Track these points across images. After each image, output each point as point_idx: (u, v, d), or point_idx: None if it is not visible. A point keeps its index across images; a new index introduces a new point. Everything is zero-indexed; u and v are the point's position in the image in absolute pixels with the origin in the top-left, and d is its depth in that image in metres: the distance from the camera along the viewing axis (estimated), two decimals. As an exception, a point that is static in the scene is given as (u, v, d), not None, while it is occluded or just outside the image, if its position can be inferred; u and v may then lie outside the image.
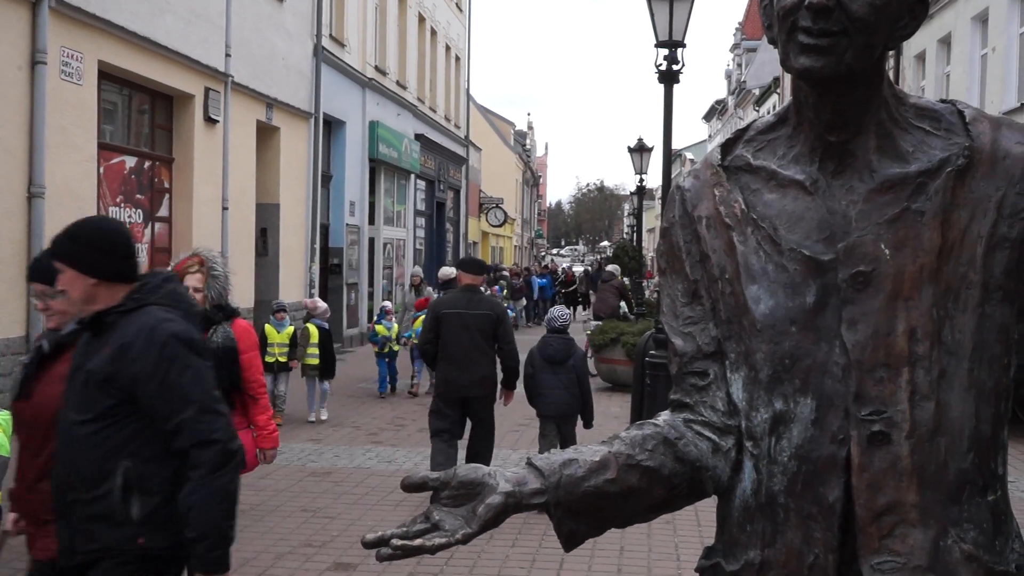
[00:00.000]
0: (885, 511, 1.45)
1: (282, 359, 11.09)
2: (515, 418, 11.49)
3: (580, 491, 1.51)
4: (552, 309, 8.53)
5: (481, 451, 7.55)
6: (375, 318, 14.23)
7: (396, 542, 1.42)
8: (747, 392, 1.57)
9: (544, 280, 29.66)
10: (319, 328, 11.40)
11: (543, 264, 43.59)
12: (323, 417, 11.28)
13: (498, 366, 7.73)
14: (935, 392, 1.45)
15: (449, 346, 7.45)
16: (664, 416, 1.65)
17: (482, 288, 8.07)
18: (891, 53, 22.36)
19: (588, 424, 7.97)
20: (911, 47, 20.22)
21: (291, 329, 11.21)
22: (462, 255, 33.73)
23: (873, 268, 1.47)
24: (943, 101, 1.59)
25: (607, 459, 1.54)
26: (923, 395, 1.45)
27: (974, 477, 1.47)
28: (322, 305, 11.96)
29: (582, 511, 1.53)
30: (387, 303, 14.84)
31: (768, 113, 1.73)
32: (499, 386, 7.78)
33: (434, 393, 8.08)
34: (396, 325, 13.46)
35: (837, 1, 1.42)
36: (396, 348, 13.35)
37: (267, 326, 11.24)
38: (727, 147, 1.68)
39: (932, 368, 1.46)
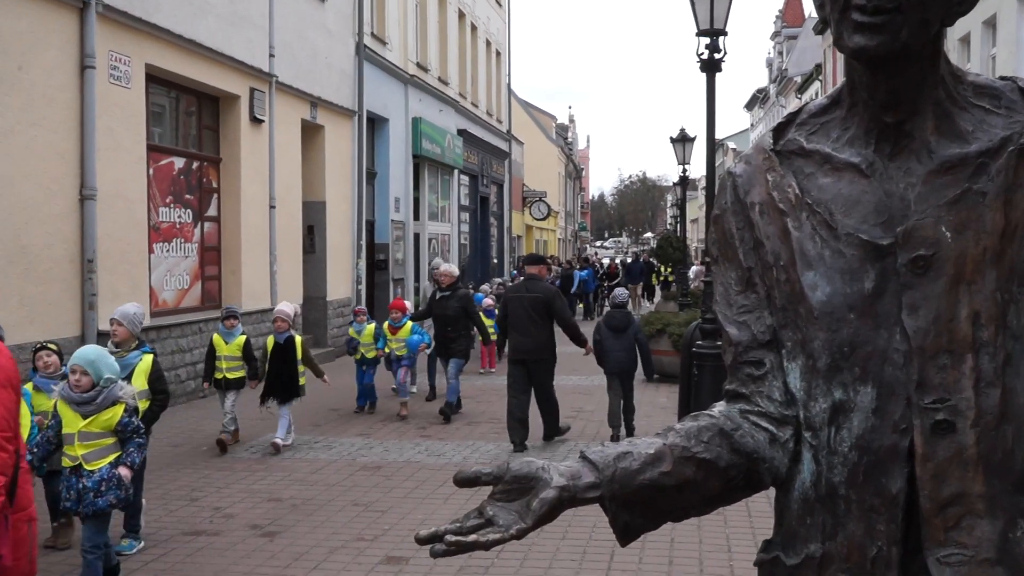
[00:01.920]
0: (950, 502, 1.41)
1: (231, 375, 9.41)
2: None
3: (635, 484, 1.49)
4: (615, 290, 11.00)
5: (545, 409, 9.63)
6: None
7: (450, 538, 1.40)
8: (805, 381, 1.53)
9: (585, 273, 29.00)
10: (275, 342, 9.57)
11: (583, 256, 42.97)
12: (283, 443, 9.27)
13: (557, 335, 9.79)
14: (1001, 378, 1.41)
15: (513, 320, 9.67)
16: (719, 407, 1.62)
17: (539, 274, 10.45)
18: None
19: (649, 376, 10.66)
20: (955, 30, 19.79)
21: (242, 339, 9.49)
22: (506, 249, 33.77)
23: (934, 252, 1.42)
24: (1003, 78, 1.54)
25: (662, 451, 1.51)
26: (988, 382, 1.41)
27: None
28: (280, 311, 9.83)
29: (637, 504, 1.51)
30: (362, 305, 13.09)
31: (811, 100, 1.69)
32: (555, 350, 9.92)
33: (507, 357, 10.07)
34: (370, 326, 11.65)
35: None
36: (371, 355, 11.52)
37: (215, 336, 9.62)
38: (779, 131, 1.64)
39: (997, 354, 1.41)
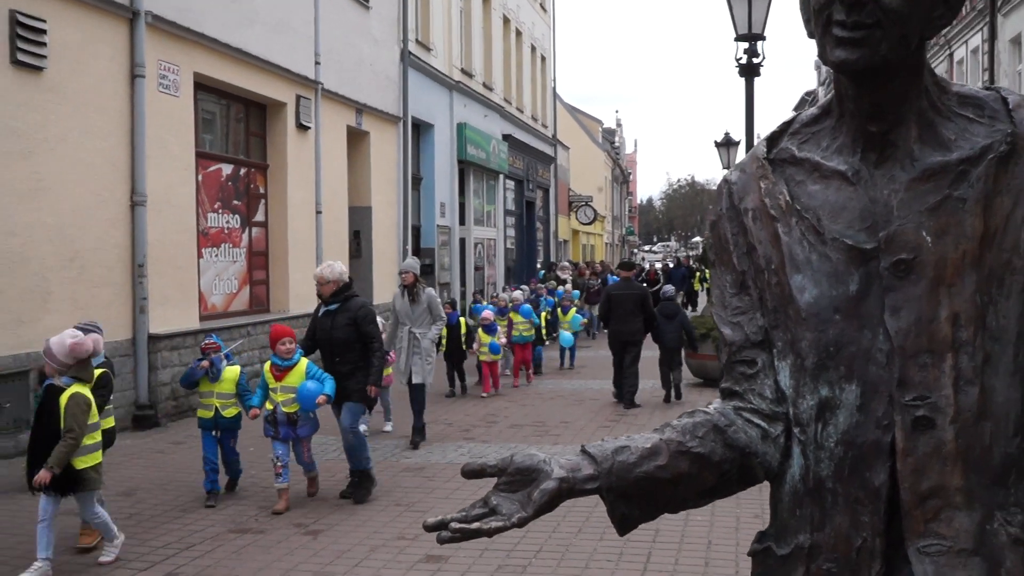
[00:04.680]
0: (930, 495, 1.47)
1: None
2: (560, 414, 11.50)
3: (632, 477, 1.57)
4: (664, 288, 14.12)
5: (629, 374, 12.25)
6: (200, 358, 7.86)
7: (455, 525, 1.49)
8: (794, 379, 1.60)
9: None
10: (39, 396, 6.32)
11: (625, 261, 42.35)
12: (103, 559, 6.10)
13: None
14: (979, 377, 1.46)
15: (616, 313, 12.47)
16: (715, 404, 1.70)
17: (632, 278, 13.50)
18: (984, 38, 21.54)
19: (694, 349, 13.37)
20: (1006, 30, 19.51)
21: (97, 374, 6.22)
22: (552, 254, 33.86)
23: (915, 256, 1.48)
24: (988, 88, 1.59)
25: (658, 446, 1.59)
26: (967, 380, 1.46)
27: (1021, 461, 1.48)
28: (50, 344, 6.02)
29: (634, 496, 1.59)
30: (214, 337, 8.09)
31: (804, 111, 1.76)
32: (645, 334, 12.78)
33: (608, 339, 12.92)
34: (232, 368, 7.80)
35: None
36: (230, 413, 7.69)
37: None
38: (773, 140, 1.71)
39: (976, 353, 1.46)
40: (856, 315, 1.52)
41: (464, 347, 13.40)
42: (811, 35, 1.58)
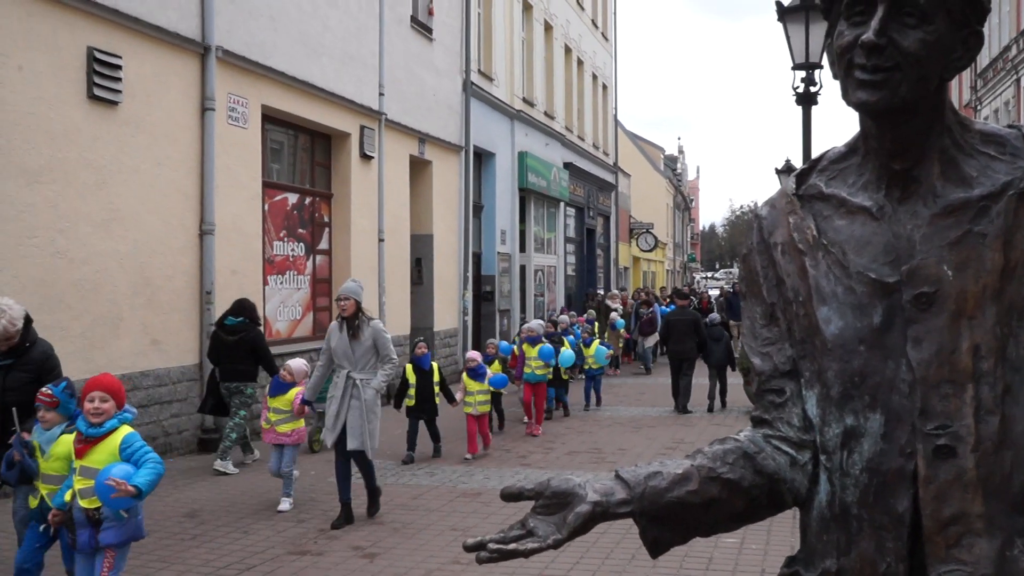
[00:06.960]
0: (951, 521, 1.51)
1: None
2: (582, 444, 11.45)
3: (663, 501, 1.63)
4: (710, 315, 16.47)
5: (685, 384, 14.60)
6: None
7: (492, 545, 1.57)
8: (820, 408, 1.66)
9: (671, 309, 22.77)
10: None
11: (677, 290, 38.48)
12: None
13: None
14: (1000, 407, 1.50)
15: (673, 335, 15.07)
16: (746, 432, 1.76)
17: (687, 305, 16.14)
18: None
19: (734, 368, 15.23)
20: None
21: None
22: (612, 281, 33.81)
23: (936, 289, 1.53)
24: (1010, 126, 1.64)
25: (689, 472, 1.66)
26: (988, 410, 1.50)
27: None
28: None
29: (666, 519, 1.65)
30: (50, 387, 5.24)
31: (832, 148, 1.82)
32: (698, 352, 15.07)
33: (668, 357, 15.70)
34: (66, 437, 5.05)
35: (889, 38, 1.51)
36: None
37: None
38: (802, 177, 1.77)
39: (997, 384, 1.51)
40: (880, 346, 1.58)
41: (437, 399, 10.83)
42: (835, 77, 1.64)
